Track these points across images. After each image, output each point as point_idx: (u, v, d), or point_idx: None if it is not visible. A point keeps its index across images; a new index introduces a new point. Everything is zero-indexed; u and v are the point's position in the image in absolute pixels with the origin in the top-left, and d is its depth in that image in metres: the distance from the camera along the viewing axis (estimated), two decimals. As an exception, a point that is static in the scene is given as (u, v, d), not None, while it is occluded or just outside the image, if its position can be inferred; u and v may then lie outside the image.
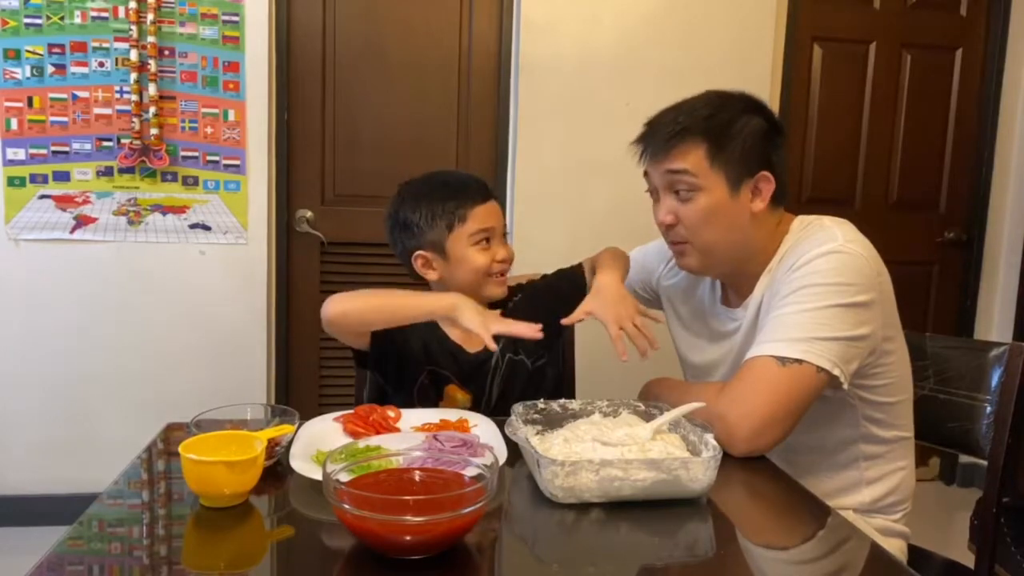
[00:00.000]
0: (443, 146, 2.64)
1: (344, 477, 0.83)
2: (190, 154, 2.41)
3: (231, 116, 2.42)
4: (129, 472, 1.02)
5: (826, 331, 1.13)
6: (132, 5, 2.31)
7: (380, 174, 2.59)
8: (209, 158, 2.42)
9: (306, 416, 1.14)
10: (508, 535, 0.90)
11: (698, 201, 1.22)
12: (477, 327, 1.21)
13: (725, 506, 0.97)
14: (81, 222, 2.40)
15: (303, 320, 2.61)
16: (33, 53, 2.32)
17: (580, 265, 1.53)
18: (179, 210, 2.43)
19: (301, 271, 2.62)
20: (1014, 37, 2.91)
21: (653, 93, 2.50)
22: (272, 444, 0.99)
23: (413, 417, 1.20)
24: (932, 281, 3.04)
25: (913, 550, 1.36)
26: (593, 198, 2.60)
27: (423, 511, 0.75)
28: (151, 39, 2.33)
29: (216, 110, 2.41)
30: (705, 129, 1.20)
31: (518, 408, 1.09)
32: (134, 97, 2.34)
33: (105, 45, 2.35)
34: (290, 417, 1.07)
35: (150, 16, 2.31)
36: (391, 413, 1.19)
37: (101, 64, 2.35)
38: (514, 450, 1.04)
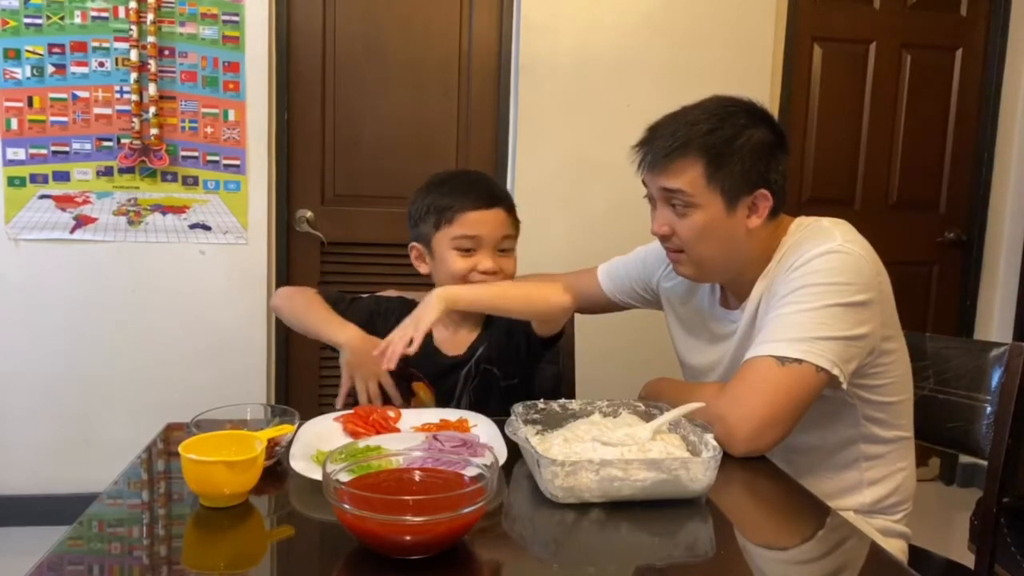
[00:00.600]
0: (443, 146, 2.64)
1: (344, 477, 0.83)
2: (190, 154, 2.41)
3: (231, 116, 2.42)
4: (129, 472, 1.02)
5: (825, 331, 1.13)
6: (132, 5, 2.31)
7: (380, 174, 2.60)
8: (209, 158, 2.42)
9: (306, 416, 1.14)
10: (508, 535, 0.90)
11: (694, 217, 1.22)
12: (344, 376, 1.35)
13: (725, 506, 0.97)
14: (81, 222, 2.40)
15: (303, 320, 2.60)
16: (33, 53, 2.32)
17: None
18: (179, 210, 2.43)
19: (301, 271, 2.62)
20: (1014, 37, 2.91)
21: (653, 93, 2.54)
22: (272, 444, 0.99)
23: (413, 417, 1.20)
24: (932, 281, 3.04)
25: (913, 550, 1.36)
26: (593, 198, 2.60)
27: (423, 511, 0.75)
28: (151, 39, 2.32)
29: (216, 110, 2.41)
30: (704, 145, 1.19)
31: (518, 408, 1.09)
32: (134, 97, 2.34)
33: (105, 45, 2.35)
34: (290, 417, 1.07)
35: (150, 16, 2.31)
36: (391, 413, 1.20)
37: (101, 64, 2.35)
38: (514, 450, 1.04)
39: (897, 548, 1.27)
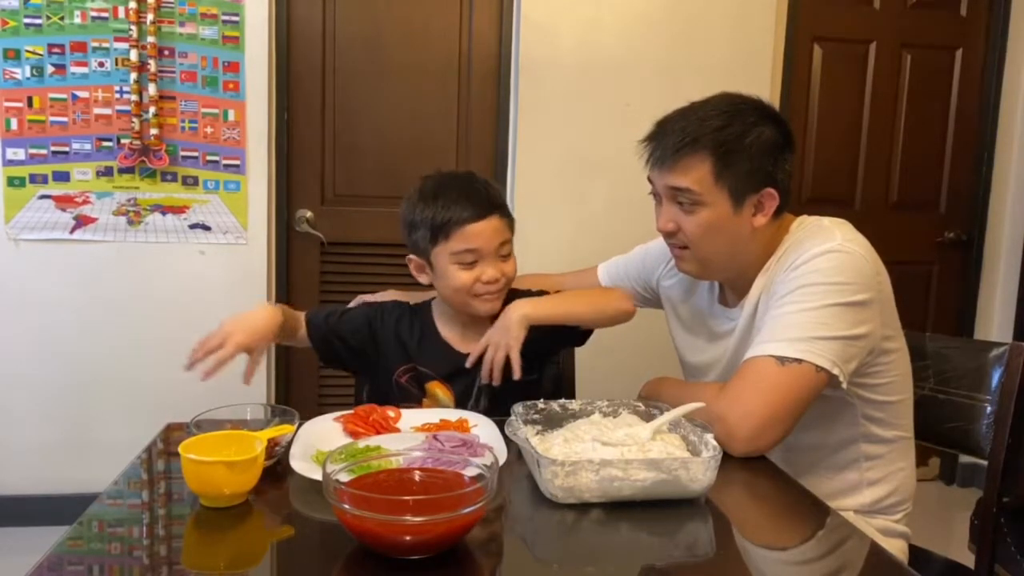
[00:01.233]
0: (443, 146, 2.64)
1: (344, 477, 0.83)
2: (190, 154, 2.41)
3: (231, 116, 2.42)
4: (129, 472, 1.03)
5: (825, 330, 1.13)
6: (132, 5, 2.30)
7: (380, 174, 2.60)
8: (209, 158, 2.42)
9: (306, 416, 1.14)
10: (508, 535, 0.90)
11: (700, 214, 1.22)
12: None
13: (725, 506, 0.97)
14: (81, 222, 2.40)
15: (303, 320, 2.60)
16: (33, 53, 2.32)
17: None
18: (179, 210, 2.43)
19: (301, 271, 2.62)
20: (1014, 37, 2.91)
21: (653, 93, 2.54)
22: (272, 444, 0.99)
23: (413, 417, 1.20)
24: (932, 281, 3.04)
25: (913, 550, 1.36)
26: (593, 198, 2.60)
27: (423, 511, 0.75)
28: (151, 39, 2.32)
29: (216, 110, 2.41)
30: (714, 142, 1.18)
31: (518, 408, 1.09)
32: (134, 97, 2.34)
33: (105, 45, 2.35)
34: (290, 417, 1.07)
35: (150, 16, 2.31)
36: (391, 413, 1.19)
37: (101, 64, 2.35)
38: (514, 450, 1.04)
39: (897, 548, 1.27)
